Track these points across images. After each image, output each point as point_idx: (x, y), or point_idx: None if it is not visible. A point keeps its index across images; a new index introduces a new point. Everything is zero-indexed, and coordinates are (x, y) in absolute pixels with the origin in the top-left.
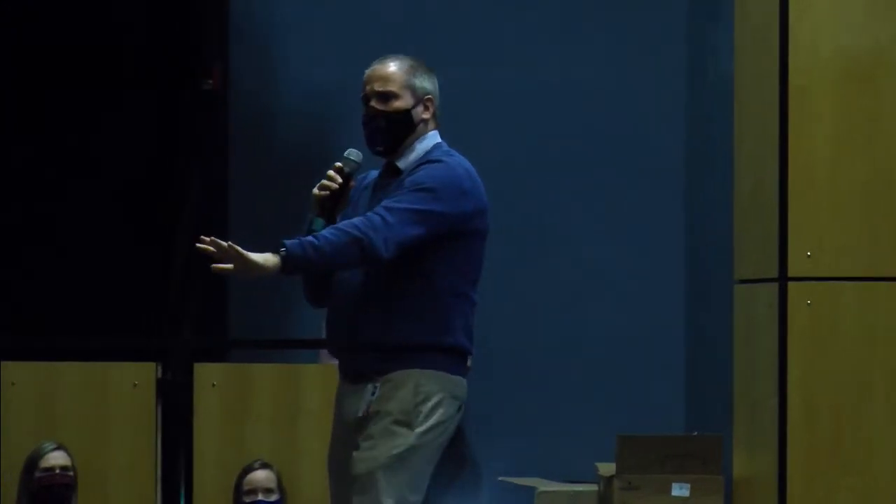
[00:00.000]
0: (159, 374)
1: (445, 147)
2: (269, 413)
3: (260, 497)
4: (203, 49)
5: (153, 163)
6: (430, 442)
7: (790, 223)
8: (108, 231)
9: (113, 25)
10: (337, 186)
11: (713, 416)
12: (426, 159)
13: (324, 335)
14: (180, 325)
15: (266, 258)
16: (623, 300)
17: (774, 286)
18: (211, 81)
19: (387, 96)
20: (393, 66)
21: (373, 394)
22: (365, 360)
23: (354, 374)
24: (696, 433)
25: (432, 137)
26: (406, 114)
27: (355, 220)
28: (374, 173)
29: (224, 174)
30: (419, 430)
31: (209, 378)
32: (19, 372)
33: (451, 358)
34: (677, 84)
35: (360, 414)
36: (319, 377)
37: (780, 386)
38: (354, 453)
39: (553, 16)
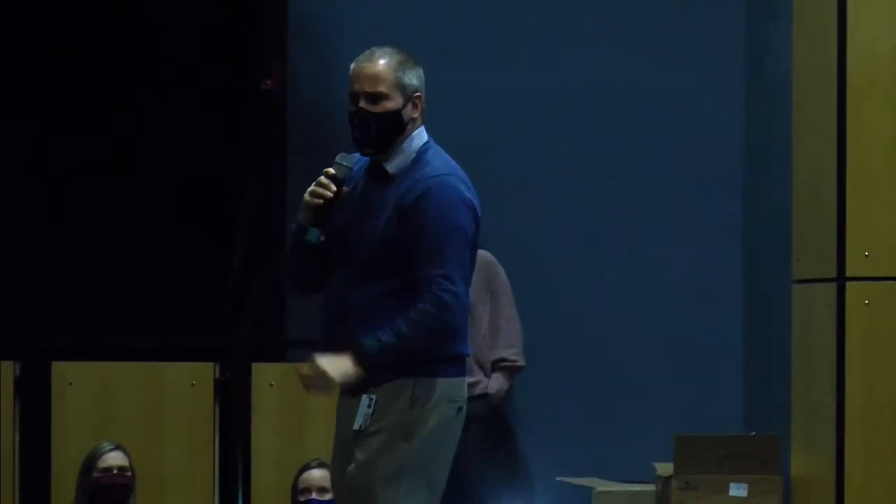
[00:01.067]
0: (217, 374)
1: (432, 145)
2: (326, 412)
3: (314, 496)
4: (262, 49)
5: (211, 163)
6: (429, 449)
7: (848, 223)
8: (166, 231)
9: (174, 25)
10: (332, 195)
11: (771, 417)
12: (423, 180)
13: None
14: (238, 325)
15: (345, 370)
16: (681, 300)
17: (832, 286)
18: (269, 82)
19: (377, 97)
20: (382, 64)
21: (369, 406)
22: (370, 378)
23: (355, 387)
24: (753, 433)
25: (419, 136)
26: (396, 114)
27: (427, 305)
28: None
29: (282, 174)
30: (417, 441)
31: (267, 378)
32: (77, 372)
33: (448, 363)
34: (735, 84)
35: (357, 427)
36: None
37: (837, 386)
38: (352, 466)
39: (611, 17)
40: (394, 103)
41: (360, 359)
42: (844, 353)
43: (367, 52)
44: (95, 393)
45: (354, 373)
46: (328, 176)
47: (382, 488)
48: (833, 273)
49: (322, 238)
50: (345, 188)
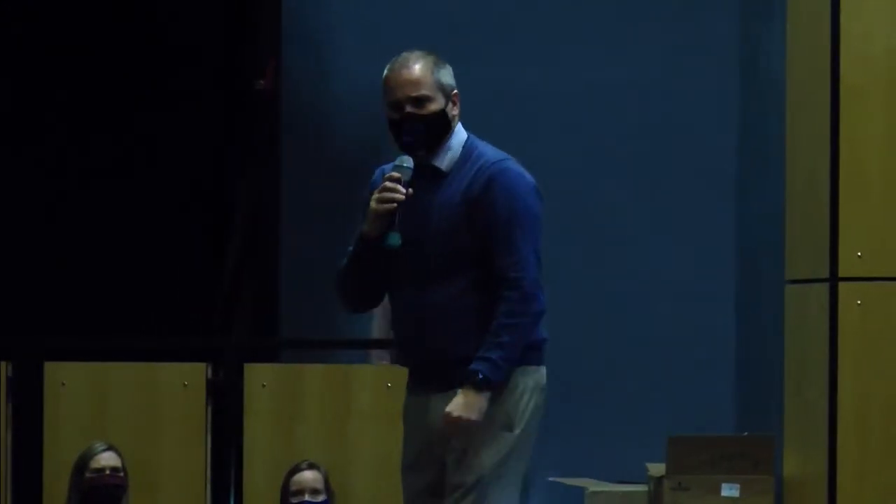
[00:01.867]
0: (210, 375)
1: (474, 137)
2: (319, 413)
3: (307, 497)
4: (256, 48)
5: (205, 162)
6: (528, 437)
7: (841, 223)
8: (159, 231)
9: (166, 25)
10: (402, 197)
11: (764, 417)
12: (486, 167)
13: (374, 335)
14: (231, 325)
15: (475, 404)
16: (674, 300)
17: (825, 286)
18: (263, 81)
19: (421, 100)
20: (419, 68)
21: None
22: (453, 370)
23: (440, 384)
24: (746, 433)
25: (460, 131)
26: (442, 114)
27: (513, 304)
28: (381, 171)
29: (276, 173)
30: (519, 429)
31: (260, 378)
32: (69, 372)
33: (534, 351)
34: (729, 84)
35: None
36: (370, 378)
37: (830, 386)
38: (455, 460)
39: (605, 16)
40: (437, 104)
41: (478, 385)
42: (837, 354)
43: (399, 58)
44: (88, 393)
45: (481, 401)
46: (394, 180)
47: (490, 479)
48: (826, 273)
49: (401, 241)
50: (411, 191)
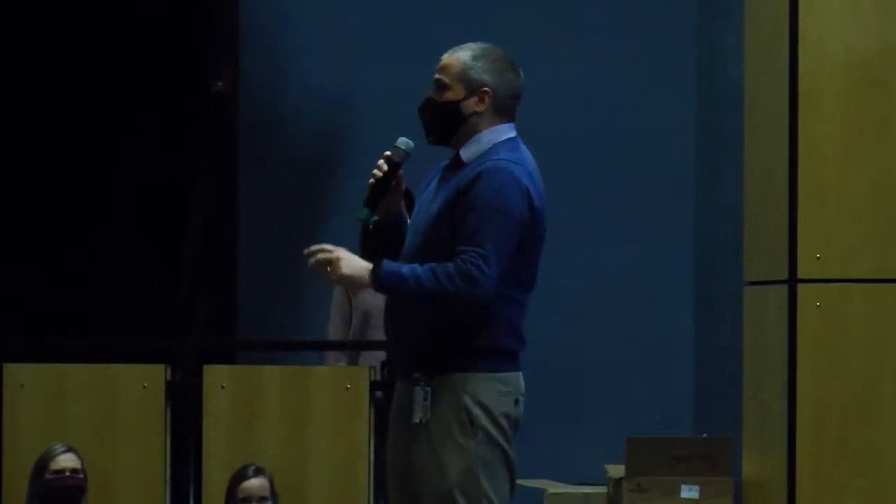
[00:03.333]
0: (168, 376)
1: (516, 141)
2: (277, 414)
3: None
4: (213, 51)
5: (163, 164)
6: (496, 443)
7: (799, 225)
8: (117, 232)
9: (123, 27)
10: (382, 175)
11: (722, 419)
12: (485, 163)
13: (331, 337)
14: (189, 326)
15: (355, 266)
16: (633, 303)
17: (784, 288)
18: (221, 83)
19: (441, 86)
20: (456, 56)
21: (425, 399)
22: (417, 363)
23: (407, 375)
24: (705, 435)
25: (502, 131)
26: (454, 105)
27: (452, 270)
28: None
29: (233, 175)
30: (481, 436)
31: (218, 380)
32: (28, 374)
33: (502, 358)
34: (687, 86)
35: (417, 420)
36: (328, 379)
37: (789, 388)
38: (424, 464)
39: (562, 19)
40: (454, 94)
41: (375, 271)
42: (796, 356)
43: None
44: (47, 395)
45: (360, 277)
46: (385, 157)
47: (460, 492)
48: (784, 275)
49: (373, 219)
50: (401, 171)
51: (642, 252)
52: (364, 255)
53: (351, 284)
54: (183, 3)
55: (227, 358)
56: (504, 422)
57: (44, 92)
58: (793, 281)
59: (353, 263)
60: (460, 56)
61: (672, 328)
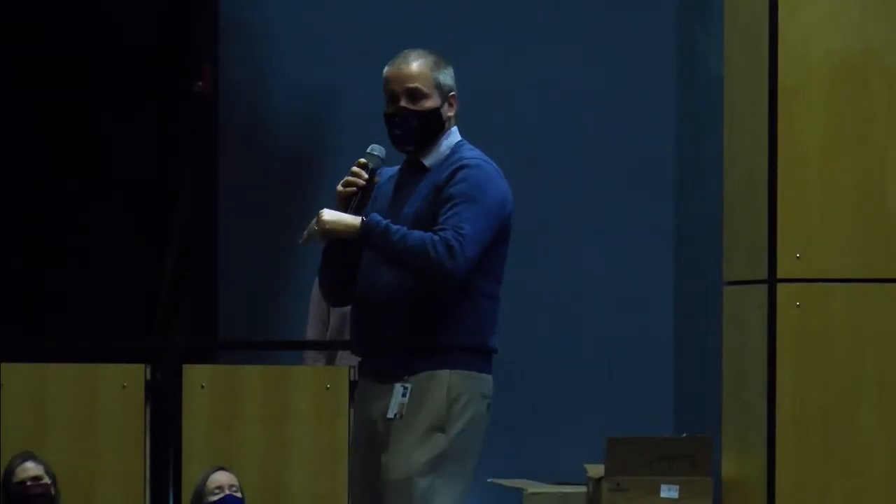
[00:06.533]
0: (148, 376)
1: (467, 143)
2: (257, 414)
3: (228, 492)
4: (193, 51)
5: (143, 164)
6: (464, 443)
7: (780, 225)
8: (98, 232)
9: (103, 28)
10: (363, 183)
11: (702, 418)
12: (458, 161)
13: (309, 337)
14: (170, 326)
15: (341, 218)
16: (612, 302)
17: (764, 288)
18: (201, 83)
19: (417, 96)
20: (418, 65)
21: (403, 395)
22: (394, 360)
23: (382, 373)
24: (685, 435)
25: (454, 134)
26: (436, 112)
27: (436, 239)
28: (390, 170)
29: (214, 175)
30: (452, 432)
31: (198, 379)
32: (8, 373)
33: (480, 357)
34: (667, 85)
35: (392, 415)
36: (308, 379)
37: (769, 387)
38: (388, 457)
39: (542, 17)
40: (433, 102)
41: (363, 226)
42: (776, 355)
43: (400, 54)
44: (27, 394)
45: (347, 224)
46: (359, 165)
47: (420, 478)
48: (764, 275)
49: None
50: (377, 178)
51: (622, 251)
52: (326, 273)
53: (335, 233)
54: (162, 2)
55: (208, 357)
56: (479, 421)
57: (18, 94)
58: (773, 281)
59: (336, 214)
60: (425, 63)
61: (652, 328)
